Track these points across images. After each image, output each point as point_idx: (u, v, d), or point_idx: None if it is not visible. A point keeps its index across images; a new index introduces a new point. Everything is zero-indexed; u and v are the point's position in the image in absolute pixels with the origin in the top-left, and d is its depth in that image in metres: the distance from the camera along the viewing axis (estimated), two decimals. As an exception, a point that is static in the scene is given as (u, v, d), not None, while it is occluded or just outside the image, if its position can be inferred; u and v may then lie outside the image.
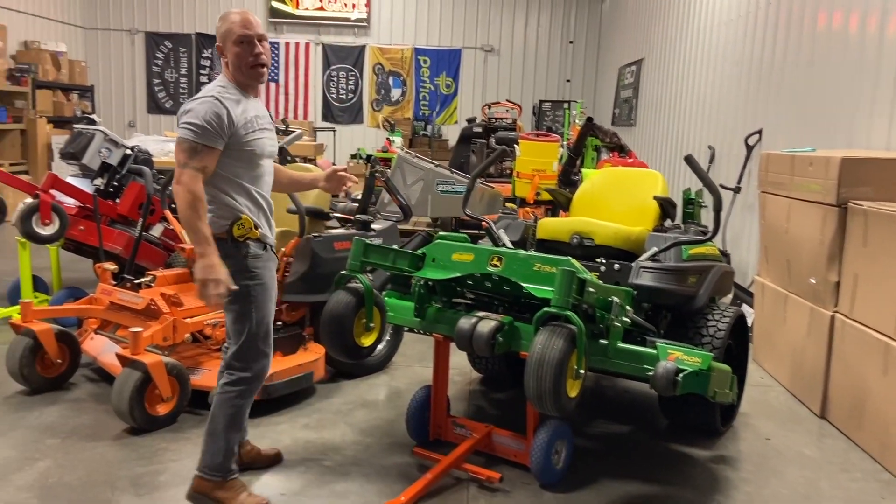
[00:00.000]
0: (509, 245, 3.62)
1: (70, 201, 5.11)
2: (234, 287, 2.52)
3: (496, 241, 3.63)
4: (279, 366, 3.67)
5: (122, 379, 3.28)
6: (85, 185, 5.28)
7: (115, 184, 5.17)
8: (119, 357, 3.35)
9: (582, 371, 2.60)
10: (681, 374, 2.62)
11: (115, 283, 3.95)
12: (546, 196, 5.65)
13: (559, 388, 2.50)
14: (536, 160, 5.75)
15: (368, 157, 4.16)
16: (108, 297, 3.77)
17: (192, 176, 2.45)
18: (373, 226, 4.37)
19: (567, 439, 3.09)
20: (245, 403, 2.74)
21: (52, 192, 4.82)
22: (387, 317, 3.24)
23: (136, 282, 4.01)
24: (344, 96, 14.66)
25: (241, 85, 2.65)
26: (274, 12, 14.19)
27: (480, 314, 2.93)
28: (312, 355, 3.88)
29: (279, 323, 3.98)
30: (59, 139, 10.87)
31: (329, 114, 14.62)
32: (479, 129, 7.38)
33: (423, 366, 4.47)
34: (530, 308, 3.09)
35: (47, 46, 12.21)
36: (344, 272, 3.14)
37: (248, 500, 2.70)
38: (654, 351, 2.80)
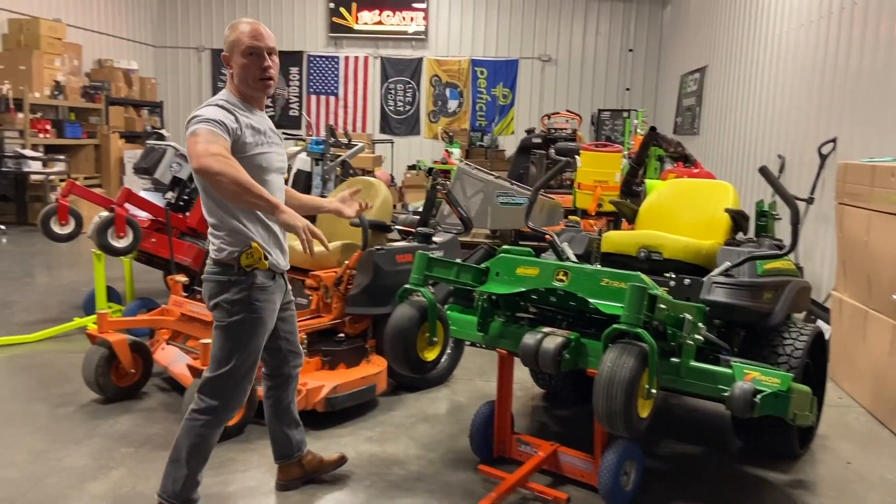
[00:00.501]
0: (573, 259, 3.56)
1: (143, 214, 5.28)
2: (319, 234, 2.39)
3: (560, 255, 3.57)
4: (342, 378, 3.69)
5: (192, 390, 3.35)
6: (157, 199, 5.44)
7: (185, 197, 5.31)
8: (190, 368, 3.43)
9: (654, 391, 2.52)
10: (759, 396, 2.51)
11: (185, 294, 4.05)
12: (608, 207, 5.55)
13: (630, 408, 2.42)
14: (598, 171, 5.67)
15: (430, 170, 4.14)
16: (179, 309, 3.86)
17: (221, 160, 2.25)
18: (434, 238, 4.37)
19: (637, 460, 3.00)
20: (211, 434, 2.57)
21: (126, 205, 4.99)
22: (450, 331, 3.22)
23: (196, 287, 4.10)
24: (401, 108, 14.80)
25: (246, 98, 2.54)
26: (334, 27, 14.46)
27: (546, 330, 2.88)
28: (375, 368, 3.89)
29: (342, 335, 4.01)
30: (131, 154, 11.31)
31: (387, 126, 14.78)
32: (539, 140, 7.33)
33: (483, 380, 4.43)
34: (597, 324, 3.03)
35: (120, 64, 12.73)
36: (407, 286, 3.14)
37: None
38: (729, 370, 2.70)
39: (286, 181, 6.04)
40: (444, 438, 3.58)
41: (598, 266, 3.29)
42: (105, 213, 5.36)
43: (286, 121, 14.81)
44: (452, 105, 14.74)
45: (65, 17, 11.50)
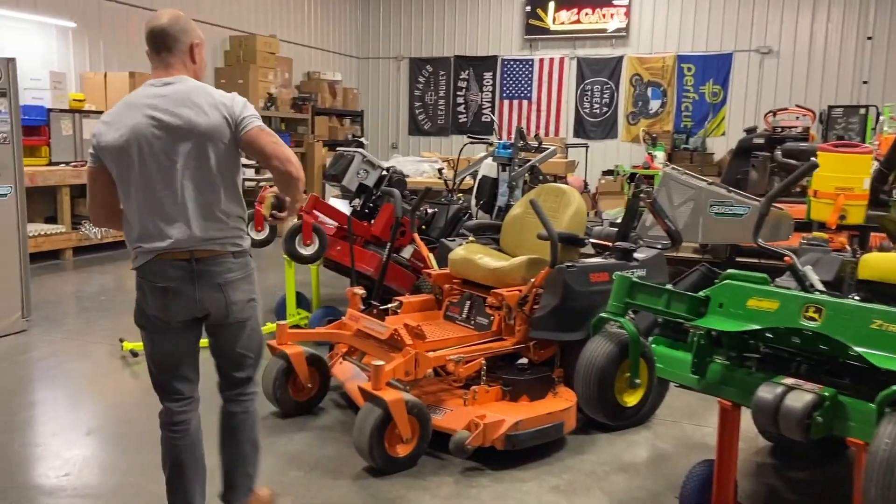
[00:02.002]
0: (820, 287, 2.81)
1: (331, 222, 5.23)
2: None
3: (803, 282, 2.83)
4: (526, 413, 3.24)
5: (363, 415, 3.09)
6: (344, 207, 5.38)
7: (371, 205, 5.19)
8: (361, 391, 3.17)
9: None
10: None
11: (363, 308, 3.84)
12: (854, 220, 4.56)
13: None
14: (842, 176, 4.66)
15: (632, 176, 3.72)
16: (356, 324, 3.65)
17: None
18: (635, 255, 3.78)
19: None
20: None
21: (315, 213, 4.94)
22: (655, 371, 2.65)
23: (383, 307, 3.86)
24: (597, 110, 14.08)
25: None
26: (530, 29, 14.12)
27: (788, 382, 2.22)
28: (563, 402, 3.40)
29: (524, 361, 3.57)
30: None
31: (581, 129, 14.14)
32: (761, 141, 6.37)
33: (692, 423, 3.75)
34: (854, 372, 2.31)
35: (326, 76, 13.38)
36: (603, 314, 2.62)
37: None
38: None
39: (471, 188, 5.76)
40: (645, 496, 3.00)
41: (859, 299, 2.53)
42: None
43: (478, 126, 14.72)
44: (654, 105, 13.74)
45: (279, 32, 12.28)
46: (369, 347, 3.57)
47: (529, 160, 4.77)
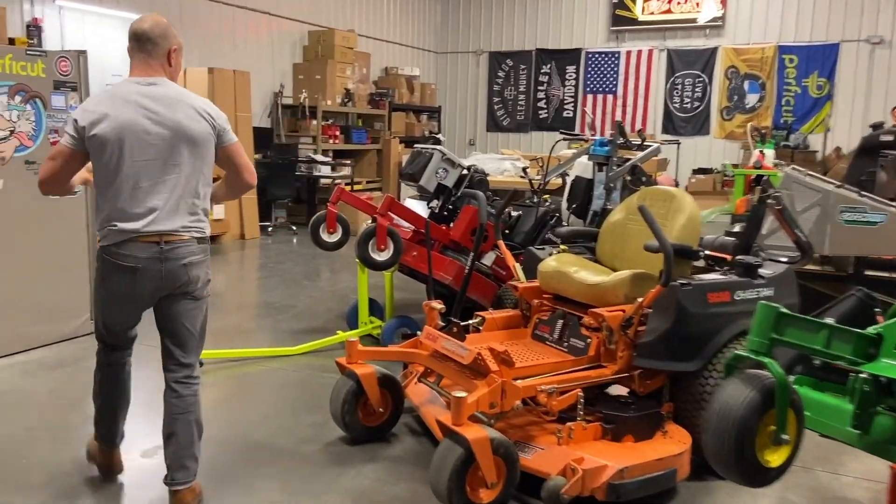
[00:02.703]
0: None
1: (405, 224, 4.86)
2: None
3: None
4: (632, 457, 2.76)
5: (441, 453, 2.68)
6: (422, 208, 5.00)
7: (450, 206, 4.78)
8: (440, 425, 2.76)
9: None
10: None
11: (442, 324, 3.43)
12: None
13: None
14: None
15: (758, 179, 3.26)
16: (433, 344, 3.24)
17: None
18: (761, 270, 3.22)
19: None
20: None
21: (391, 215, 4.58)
22: (805, 423, 2.13)
23: (464, 324, 3.44)
24: (688, 105, 13.25)
25: None
26: (616, 20, 13.43)
27: None
28: (675, 446, 2.89)
29: (628, 394, 3.08)
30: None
31: (670, 125, 13.34)
32: (890, 138, 5.61)
33: (827, 470, 3.17)
34: None
35: (404, 71, 13.09)
36: (740, 351, 2.12)
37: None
38: None
39: (559, 189, 5.26)
40: (780, 570, 2.47)
41: None
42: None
43: (559, 122, 14.13)
44: (751, 99, 12.81)
45: (358, 27, 12.06)
46: (448, 371, 3.15)
47: (629, 159, 4.24)
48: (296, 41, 11.06)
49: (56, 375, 4.21)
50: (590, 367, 3.10)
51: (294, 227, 9.90)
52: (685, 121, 13.31)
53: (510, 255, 3.69)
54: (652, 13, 13.19)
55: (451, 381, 3.18)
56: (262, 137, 9.82)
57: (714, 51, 12.92)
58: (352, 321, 5.07)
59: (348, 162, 10.91)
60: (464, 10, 14.73)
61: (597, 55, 13.78)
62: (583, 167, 4.36)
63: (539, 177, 5.50)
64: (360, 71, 11.71)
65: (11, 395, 3.92)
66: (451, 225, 4.76)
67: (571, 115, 14.13)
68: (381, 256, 4.35)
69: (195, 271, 2.66)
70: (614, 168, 4.14)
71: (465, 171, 4.85)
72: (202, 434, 2.76)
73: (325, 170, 10.41)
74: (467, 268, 4.10)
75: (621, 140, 4.16)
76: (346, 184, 10.69)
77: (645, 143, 4.30)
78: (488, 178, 5.03)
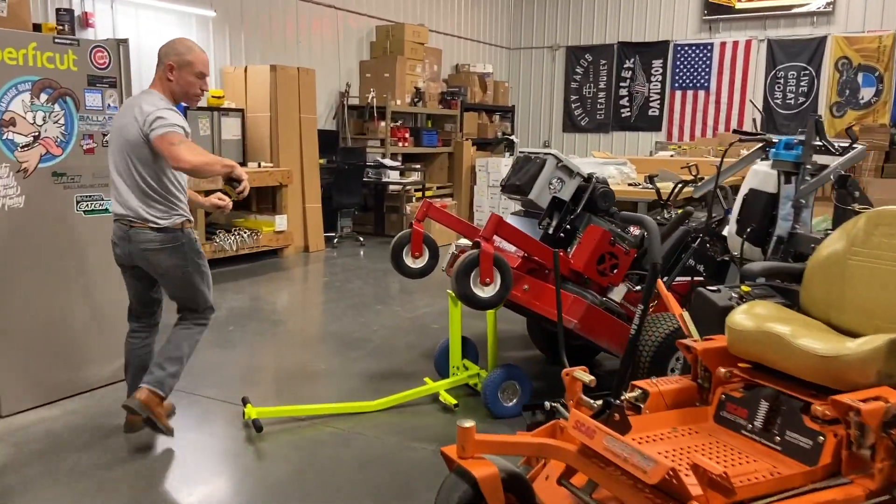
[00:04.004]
0: None
1: (509, 247, 3.91)
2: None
3: None
4: None
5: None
6: (526, 227, 4.03)
7: (567, 226, 3.81)
8: None
9: None
10: None
11: (592, 402, 2.44)
12: None
13: None
14: None
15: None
16: (585, 438, 2.27)
17: (189, 146, 3.03)
18: None
19: None
20: (199, 337, 3.39)
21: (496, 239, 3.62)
22: None
23: (618, 401, 2.45)
24: (792, 101, 11.89)
25: (175, 100, 3.20)
26: (710, 9, 12.17)
27: None
28: None
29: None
30: (482, 162, 10.56)
31: (771, 124, 11.98)
32: None
33: None
34: None
35: (476, 69, 12.16)
36: None
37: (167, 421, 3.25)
38: None
39: (727, 206, 4.18)
40: None
41: None
42: (464, 242, 4.13)
43: (644, 122, 12.97)
44: (866, 94, 11.37)
45: (427, 22, 11.19)
46: (611, 482, 2.17)
47: (826, 166, 3.16)
48: (363, 37, 10.26)
49: (85, 440, 3.41)
50: (823, 485, 2.07)
51: (361, 238, 9.07)
52: (788, 118, 11.94)
53: (674, 303, 2.68)
54: (750, 1, 11.90)
55: (612, 493, 2.20)
56: (327, 140, 9.03)
57: (822, 40, 11.53)
58: (441, 366, 4.16)
59: (418, 166, 10.03)
60: (538, 1, 13.70)
61: (686, 48, 12.54)
62: (760, 177, 3.29)
63: (664, 183, 4.46)
64: (431, 69, 10.83)
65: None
66: (570, 250, 3.77)
67: (657, 113, 12.92)
68: (485, 292, 3.40)
69: (155, 258, 3.15)
70: (807, 179, 3.08)
71: (584, 181, 3.87)
72: (182, 362, 3.27)
73: (394, 175, 9.55)
74: (597, 306, 3.11)
75: (818, 142, 3.10)
76: (416, 189, 9.84)
77: (850, 146, 3.22)
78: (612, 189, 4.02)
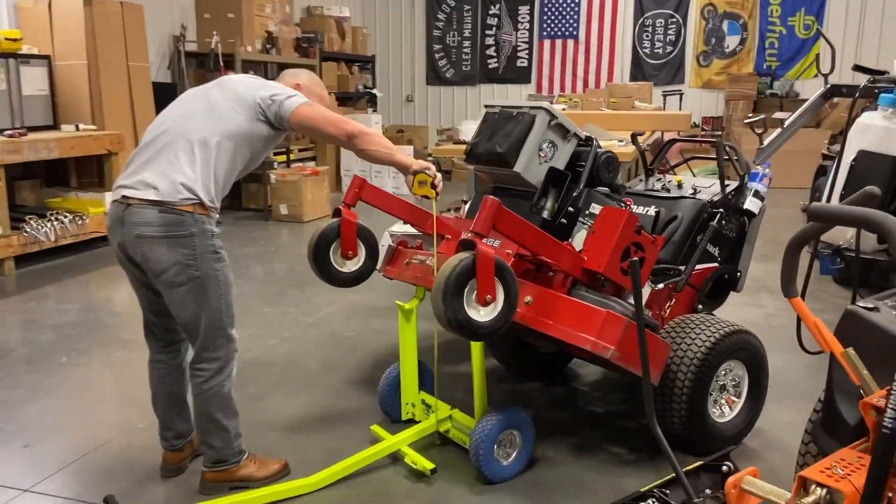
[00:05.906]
0: None
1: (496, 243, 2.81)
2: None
3: None
4: None
5: None
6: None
7: (570, 209, 2.77)
8: None
9: None
10: None
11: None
12: None
13: None
14: None
15: None
16: None
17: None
18: None
19: None
20: (227, 383, 2.48)
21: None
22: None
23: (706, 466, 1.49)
24: (660, 50, 11.64)
25: None
26: (578, -50, 11.53)
27: None
28: None
29: None
30: (376, 117, 9.27)
31: (640, 73, 11.71)
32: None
33: None
34: None
35: (331, 12, 10.66)
36: None
37: (271, 464, 2.60)
38: None
39: (741, 171, 3.31)
40: None
41: None
42: (399, 230, 3.03)
43: (513, 73, 12.21)
44: (731, 42, 11.35)
45: (272, -46, 9.49)
46: None
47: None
48: (199, -31, 8.43)
49: None
50: None
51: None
52: (657, 68, 11.71)
53: (833, 340, 1.74)
54: (617, -57, 11.39)
55: None
56: (161, 95, 7.25)
57: (689, -13, 11.32)
58: (390, 404, 3.02)
59: (277, 126, 8.51)
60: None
61: (554, -7, 11.86)
62: (876, 135, 2.43)
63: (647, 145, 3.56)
64: (283, 10, 9.23)
65: None
66: (572, 241, 2.76)
67: (526, 64, 12.19)
68: (483, 315, 2.28)
69: (150, 249, 2.39)
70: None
71: (583, 145, 2.85)
72: (219, 423, 2.46)
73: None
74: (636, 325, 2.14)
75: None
76: (277, 153, 8.37)
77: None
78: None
